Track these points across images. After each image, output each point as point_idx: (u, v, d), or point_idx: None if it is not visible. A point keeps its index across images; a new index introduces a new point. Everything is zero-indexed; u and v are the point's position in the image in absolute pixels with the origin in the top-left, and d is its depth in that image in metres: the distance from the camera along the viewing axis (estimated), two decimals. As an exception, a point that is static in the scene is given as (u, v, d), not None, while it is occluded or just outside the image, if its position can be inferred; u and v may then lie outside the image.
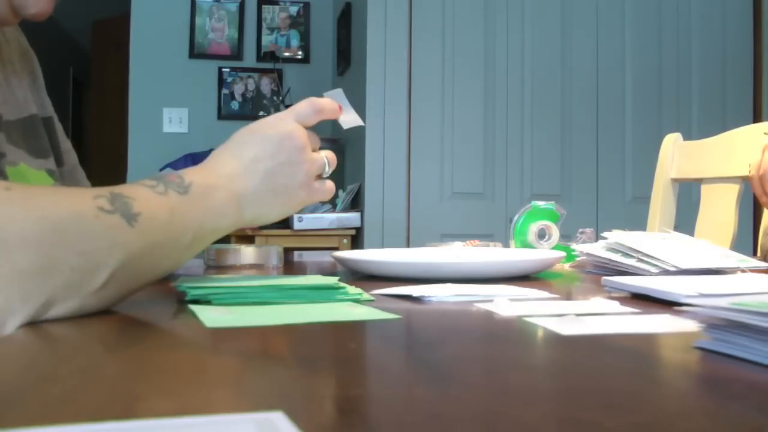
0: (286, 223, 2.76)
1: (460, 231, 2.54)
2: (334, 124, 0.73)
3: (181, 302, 0.60)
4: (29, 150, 0.80)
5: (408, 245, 2.62)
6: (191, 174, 0.61)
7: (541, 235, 1.08)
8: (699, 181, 1.34)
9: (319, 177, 0.70)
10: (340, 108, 0.72)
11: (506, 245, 1.12)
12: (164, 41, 3.37)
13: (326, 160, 0.69)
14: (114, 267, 0.52)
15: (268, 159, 0.65)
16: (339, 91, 0.72)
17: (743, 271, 0.82)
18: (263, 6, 3.48)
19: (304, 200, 0.67)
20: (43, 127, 0.85)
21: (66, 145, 0.91)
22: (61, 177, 0.86)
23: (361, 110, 2.73)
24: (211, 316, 0.51)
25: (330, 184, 0.70)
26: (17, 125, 0.79)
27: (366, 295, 0.63)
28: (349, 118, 0.73)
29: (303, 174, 0.66)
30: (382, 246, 2.59)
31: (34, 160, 0.79)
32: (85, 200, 0.52)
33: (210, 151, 3.43)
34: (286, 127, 0.66)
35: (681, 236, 0.94)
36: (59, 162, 0.87)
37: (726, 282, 0.66)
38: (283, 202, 0.66)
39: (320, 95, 0.70)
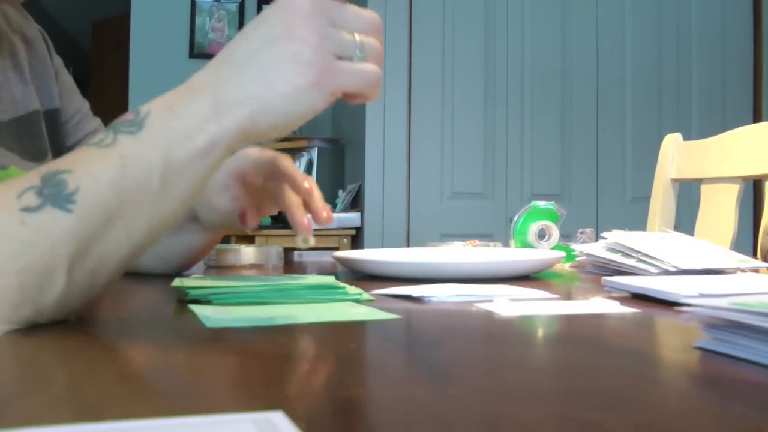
0: (286, 223, 2.76)
1: (460, 231, 2.54)
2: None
3: (181, 302, 0.60)
4: (22, 152, 0.77)
5: (408, 245, 2.62)
6: (160, 99, 0.50)
7: (541, 235, 1.08)
8: (699, 181, 1.34)
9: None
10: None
11: (506, 245, 1.12)
12: (164, 41, 3.37)
13: (358, 42, 0.52)
14: (68, 264, 0.45)
15: (258, 37, 0.51)
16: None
17: (743, 271, 0.82)
18: (263, 6, 3.48)
19: (317, 82, 0.49)
20: (45, 123, 0.82)
21: (76, 112, 0.88)
22: None
23: (361, 110, 2.74)
24: (211, 316, 0.51)
25: (368, 67, 0.52)
26: (10, 126, 0.77)
27: (366, 295, 0.63)
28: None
29: (309, 47, 0.49)
30: (382, 246, 2.59)
31: (26, 164, 0.76)
32: (8, 205, 0.45)
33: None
34: None
35: (681, 236, 0.94)
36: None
37: (726, 282, 0.66)
38: (284, 88, 0.49)
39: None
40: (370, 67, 0.52)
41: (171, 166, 0.48)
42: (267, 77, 0.49)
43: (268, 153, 0.76)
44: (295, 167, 0.75)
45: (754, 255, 1.10)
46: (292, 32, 0.50)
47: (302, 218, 0.71)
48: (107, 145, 0.48)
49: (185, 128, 0.49)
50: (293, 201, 0.73)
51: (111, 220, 0.47)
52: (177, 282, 0.65)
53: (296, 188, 0.74)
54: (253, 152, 0.77)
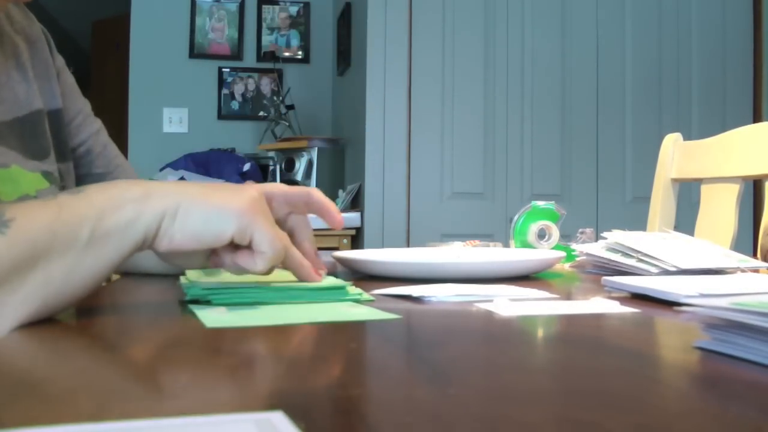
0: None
1: (460, 231, 2.54)
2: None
3: (181, 302, 0.60)
4: (24, 151, 0.77)
5: (408, 245, 2.62)
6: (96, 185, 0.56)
7: (541, 235, 1.08)
8: (699, 181, 1.34)
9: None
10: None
11: (506, 245, 1.12)
12: (164, 41, 3.37)
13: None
14: None
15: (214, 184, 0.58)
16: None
17: (743, 271, 0.82)
18: (263, 6, 3.48)
19: (243, 213, 0.54)
20: (48, 123, 0.82)
21: (80, 116, 0.88)
22: (65, 173, 0.84)
23: (361, 111, 2.73)
24: (211, 316, 0.51)
25: (279, 244, 0.56)
26: (13, 125, 0.77)
27: (366, 295, 0.63)
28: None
29: (254, 194, 0.56)
30: (382, 246, 2.59)
31: (28, 162, 0.77)
32: None
33: (210, 151, 3.40)
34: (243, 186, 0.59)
35: (681, 236, 0.94)
36: (63, 158, 0.84)
37: (726, 282, 0.66)
38: (217, 200, 0.54)
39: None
40: (280, 245, 0.56)
41: (99, 229, 0.51)
42: (208, 192, 0.55)
43: (300, 187, 0.70)
44: (326, 199, 0.68)
45: (754, 255, 1.10)
46: (244, 188, 0.57)
47: (310, 273, 0.64)
48: (48, 199, 0.52)
49: (117, 199, 0.53)
50: (298, 262, 0.64)
51: (36, 259, 0.48)
52: (184, 279, 0.65)
53: (331, 219, 0.68)
54: (281, 186, 0.70)
